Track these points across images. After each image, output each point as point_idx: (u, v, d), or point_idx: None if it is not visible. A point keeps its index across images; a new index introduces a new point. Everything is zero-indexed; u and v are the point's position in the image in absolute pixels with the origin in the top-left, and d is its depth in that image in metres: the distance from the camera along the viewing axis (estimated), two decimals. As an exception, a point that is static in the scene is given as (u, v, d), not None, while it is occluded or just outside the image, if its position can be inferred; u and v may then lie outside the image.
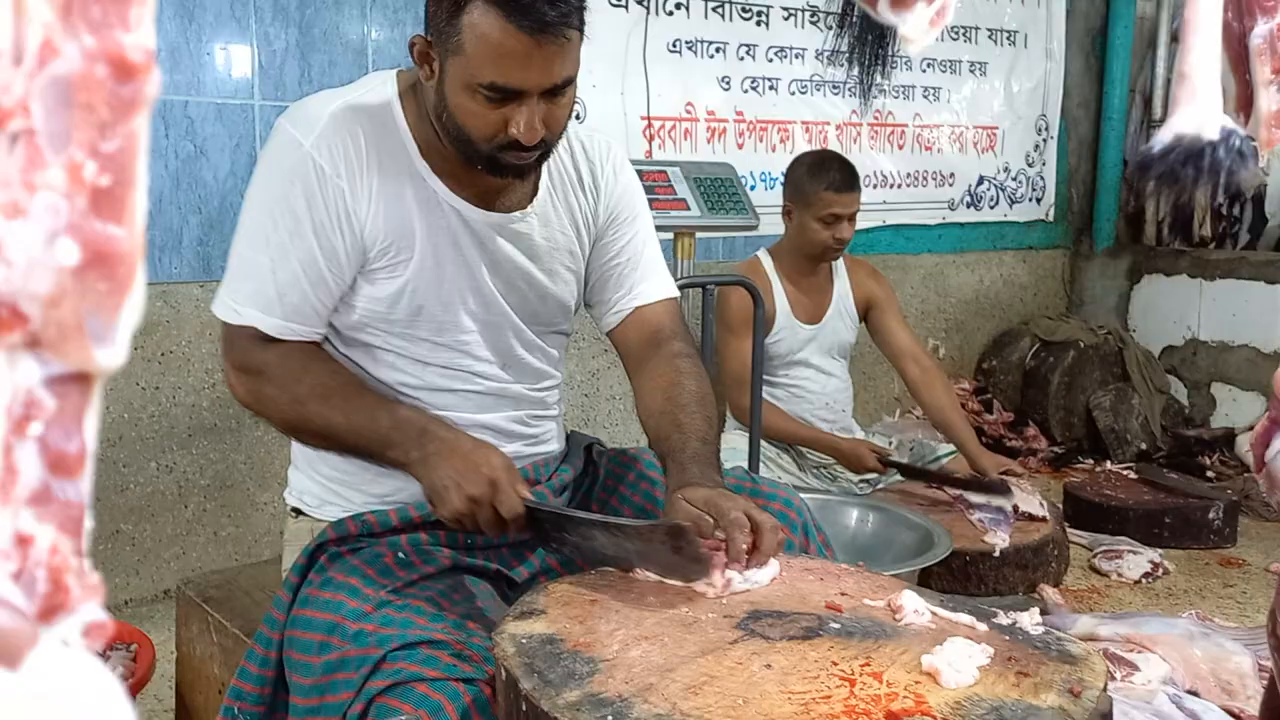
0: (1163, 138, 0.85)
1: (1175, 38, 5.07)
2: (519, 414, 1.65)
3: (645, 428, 1.65)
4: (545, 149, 1.47)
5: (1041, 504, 3.10)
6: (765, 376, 3.06)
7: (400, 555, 1.45)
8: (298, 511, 1.66)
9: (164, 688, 2.33)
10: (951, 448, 3.36)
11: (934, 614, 1.25)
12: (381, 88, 1.53)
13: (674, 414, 1.57)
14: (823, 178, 3.10)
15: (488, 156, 1.45)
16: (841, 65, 4.26)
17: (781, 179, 3.87)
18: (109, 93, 0.34)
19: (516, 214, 1.58)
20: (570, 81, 1.43)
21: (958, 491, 3.10)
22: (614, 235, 1.70)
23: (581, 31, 1.41)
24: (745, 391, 2.95)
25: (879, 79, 4.25)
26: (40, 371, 0.34)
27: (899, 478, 3.24)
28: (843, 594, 1.33)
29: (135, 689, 1.95)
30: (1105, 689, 1.08)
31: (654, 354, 1.66)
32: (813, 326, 3.27)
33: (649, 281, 1.71)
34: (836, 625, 1.22)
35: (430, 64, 1.44)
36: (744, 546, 1.31)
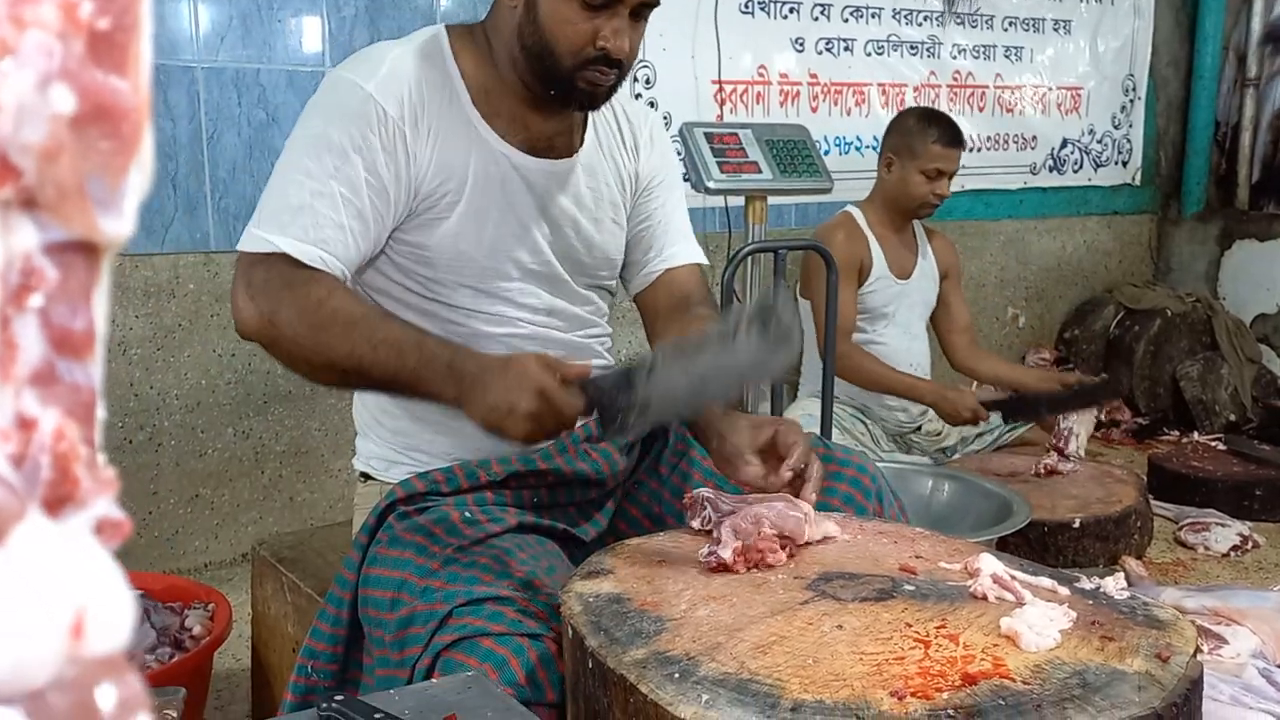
0: None
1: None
2: None
3: None
4: (620, 75, 1.49)
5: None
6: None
7: (466, 514, 1.45)
8: (367, 476, 1.68)
9: (241, 646, 2.38)
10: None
11: (1013, 577, 1.21)
12: (433, 36, 1.55)
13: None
14: (932, 130, 3.11)
15: (568, 77, 1.46)
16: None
17: (857, 143, 3.77)
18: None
19: (563, 161, 1.59)
20: (656, 4, 1.47)
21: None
22: (648, 198, 1.72)
23: None
24: (847, 341, 3.04)
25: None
26: (38, 236, 0.31)
27: (997, 425, 3.26)
28: (917, 557, 1.29)
29: (212, 646, 1.99)
30: (1195, 655, 1.03)
31: (678, 316, 1.67)
32: (904, 281, 3.29)
33: (679, 245, 1.73)
34: (910, 588, 1.18)
35: None
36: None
